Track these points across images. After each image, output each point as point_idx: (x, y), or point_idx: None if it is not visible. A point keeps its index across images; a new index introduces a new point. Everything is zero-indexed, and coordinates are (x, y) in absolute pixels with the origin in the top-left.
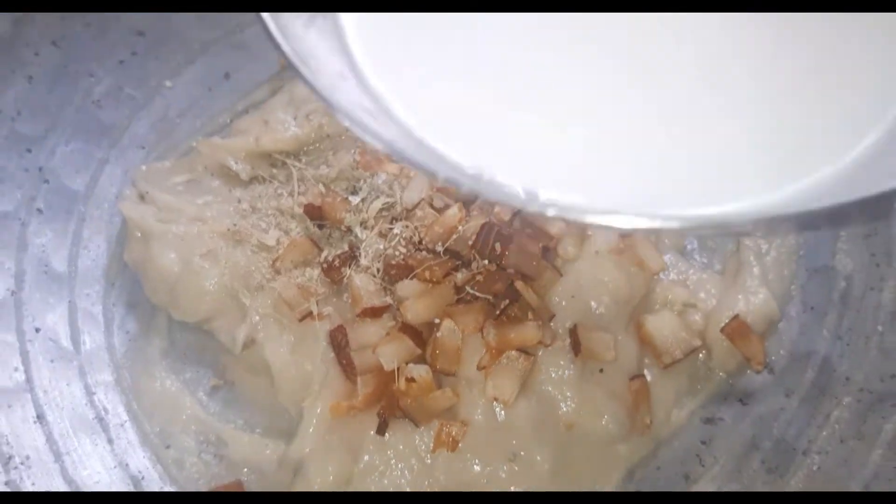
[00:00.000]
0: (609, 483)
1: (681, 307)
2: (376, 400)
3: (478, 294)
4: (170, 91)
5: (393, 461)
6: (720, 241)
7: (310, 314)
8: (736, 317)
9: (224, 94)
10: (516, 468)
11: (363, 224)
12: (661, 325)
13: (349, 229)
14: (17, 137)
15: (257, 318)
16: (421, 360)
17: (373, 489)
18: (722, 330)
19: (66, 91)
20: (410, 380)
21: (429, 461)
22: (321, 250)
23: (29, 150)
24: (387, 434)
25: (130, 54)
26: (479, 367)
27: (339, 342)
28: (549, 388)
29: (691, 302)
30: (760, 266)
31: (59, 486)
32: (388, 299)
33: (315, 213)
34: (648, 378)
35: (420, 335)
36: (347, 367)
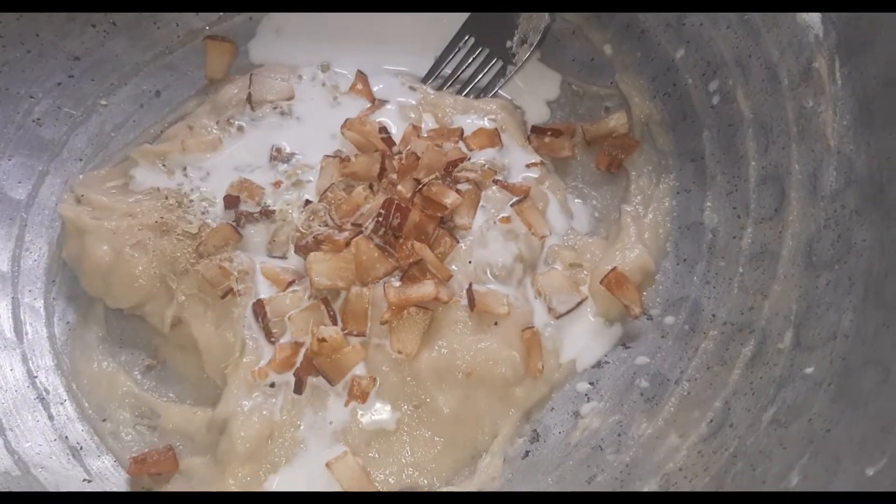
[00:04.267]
0: (507, 423)
1: (568, 267)
2: (293, 363)
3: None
4: (105, 109)
5: (309, 416)
6: (605, 211)
7: (230, 291)
8: (613, 269)
9: (155, 109)
10: (422, 414)
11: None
12: (551, 282)
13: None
14: None
15: (183, 298)
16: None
17: (290, 444)
18: (601, 281)
19: (7, 111)
20: (322, 340)
21: (343, 415)
22: (241, 236)
23: None
24: (303, 393)
25: (67, 77)
26: (382, 322)
27: (258, 314)
28: (449, 341)
29: (578, 262)
30: (637, 226)
31: (3, 456)
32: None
33: (234, 203)
34: None
35: (330, 305)
36: (267, 335)
